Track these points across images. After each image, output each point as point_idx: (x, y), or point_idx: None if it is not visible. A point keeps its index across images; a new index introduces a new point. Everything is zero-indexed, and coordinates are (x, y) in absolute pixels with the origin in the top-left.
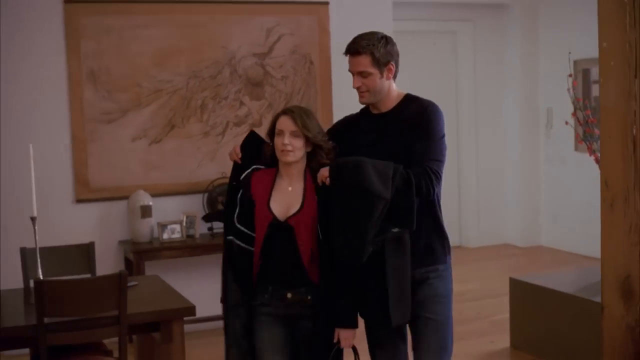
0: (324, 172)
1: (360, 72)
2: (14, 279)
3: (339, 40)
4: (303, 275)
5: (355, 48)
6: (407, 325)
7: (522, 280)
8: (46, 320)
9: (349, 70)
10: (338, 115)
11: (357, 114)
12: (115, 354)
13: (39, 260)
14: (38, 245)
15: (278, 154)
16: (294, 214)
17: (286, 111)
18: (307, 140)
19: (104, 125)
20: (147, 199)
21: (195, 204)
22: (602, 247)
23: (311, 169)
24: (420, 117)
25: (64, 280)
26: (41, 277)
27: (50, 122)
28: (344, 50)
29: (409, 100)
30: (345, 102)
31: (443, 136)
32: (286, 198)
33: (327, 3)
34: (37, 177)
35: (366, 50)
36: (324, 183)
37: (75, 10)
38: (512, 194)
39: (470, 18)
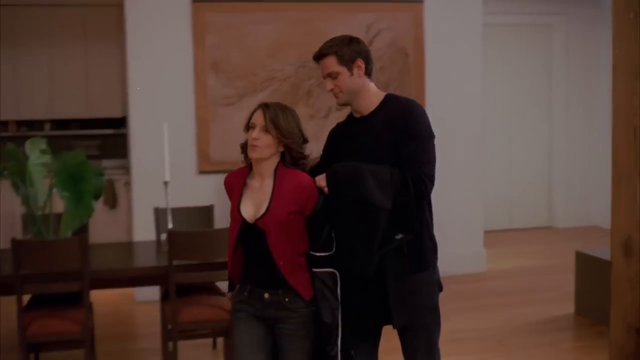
0: (321, 182)
1: (329, 74)
2: (147, 234)
3: (433, 34)
4: (278, 277)
5: (319, 52)
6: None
7: (586, 254)
8: (175, 262)
9: (322, 77)
10: (431, 102)
11: (344, 121)
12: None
13: (169, 217)
14: (169, 205)
15: (247, 148)
16: (262, 216)
17: (261, 105)
18: (279, 139)
19: (224, 108)
20: None
21: None
22: (612, 214)
23: (285, 165)
24: (402, 117)
25: (190, 231)
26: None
27: (178, 104)
28: (437, 43)
29: (389, 101)
30: (437, 91)
31: (431, 136)
32: (257, 197)
33: (421, 1)
34: (174, 148)
35: (329, 51)
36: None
37: (201, 8)
38: (600, 178)
39: (564, 11)
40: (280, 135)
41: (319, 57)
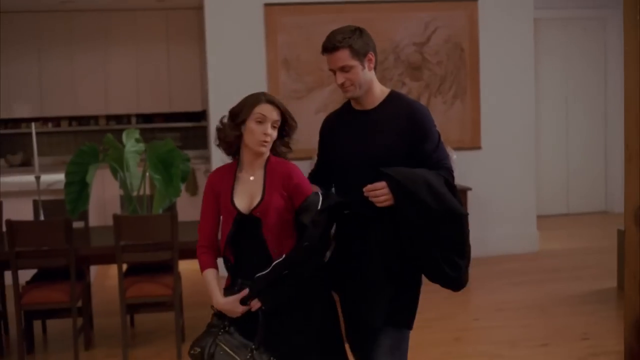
0: (379, 192)
1: (341, 68)
2: None
3: (486, 30)
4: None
5: (332, 44)
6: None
7: None
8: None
9: (330, 69)
10: (485, 93)
11: (339, 111)
12: None
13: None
14: None
15: (254, 143)
16: (258, 205)
17: (270, 100)
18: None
19: (294, 101)
20: None
21: None
22: (624, 188)
23: (270, 159)
24: (412, 118)
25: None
26: None
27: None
28: (491, 38)
29: (394, 98)
30: (490, 82)
31: (439, 135)
32: (249, 189)
33: (476, 0)
34: None
35: (343, 44)
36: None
37: (273, 11)
38: None
39: (619, 4)
40: (291, 132)
41: (331, 49)
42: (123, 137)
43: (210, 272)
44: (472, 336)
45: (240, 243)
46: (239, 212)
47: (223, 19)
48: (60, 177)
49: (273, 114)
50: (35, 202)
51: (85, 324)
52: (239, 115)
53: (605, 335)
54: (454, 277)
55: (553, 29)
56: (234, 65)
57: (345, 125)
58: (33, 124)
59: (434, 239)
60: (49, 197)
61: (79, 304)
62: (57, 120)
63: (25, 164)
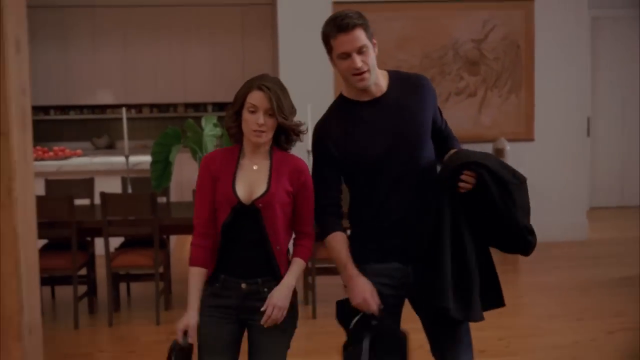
0: (467, 184)
1: (359, 48)
2: None
3: (542, 28)
4: (269, 262)
5: (348, 23)
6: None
7: None
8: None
9: (342, 53)
10: (540, 89)
11: (335, 114)
12: None
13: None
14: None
15: (249, 133)
16: (261, 196)
17: (261, 86)
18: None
19: None
20: None
21: None
22: None
23: (278, 146)
24: (425, 88)
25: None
26: None
27: (320, 89)
28: (547, 37)
29: (398, 76)
30: (546, 79)
31: None
32: (251, 178)
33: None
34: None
35: (359, 21)
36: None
37: (339, 8)
38: None
39: None
40: (285, 120)
41: (350, 27)
42: (202, 122)
43: (197, 275)
44: (515, 310)
45: (236, 235)
46: (239, 201)
47: (294, 15)
48: (141, 158)
49: (264, 102)
50: (123, 179)
51: (166, 288)
52: (234, 104)
53: (638, 314)
54: (532, 241)
55: (609, 27)
56: (303, 58)
57: (359, 123)
58: (124, 110)
59: (517, 208)
60: (133, 176)
61: (161, 269)
62: (139, 107)
63: (110, 147)
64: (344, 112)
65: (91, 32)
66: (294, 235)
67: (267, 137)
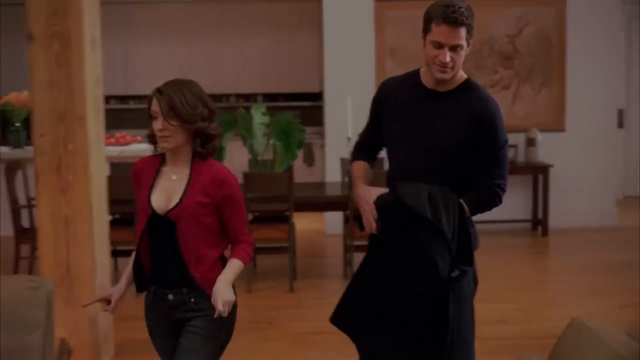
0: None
1: (454, 46)
2: (335, 179)
3: (575, 24)
4: (185, 275)
5: (457, 19)
6: None
7: None
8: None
9: (437, 42)
10: (571, 82)
11: (403, 80)
12: None
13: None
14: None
15: (157, 139)
16: (174, 207)
17: (155, 91)
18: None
19: None
20: None
21: None
22: None
23: (199, 154)
24: (483, 115)
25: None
26: None
27: (361, 82)
28: (580, 32)
29: (470, 87)
30: (578, 72)
31: (506, 142)
32: (170, 187)
33: None
34: (357, 116)
35: (466, 22)
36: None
37: (382, 6)
38: None
39: None
40: (182, 121)
41: (458, 23)
42: (252, 111)
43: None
44: (538, 287)
45: (154, 245)
46: (153, 212)
47: (339, 11)
48: None
49: (157, 107)
50: None
51: None
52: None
53: None
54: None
55: None
56: (347, 52)
57: (411, 101)
58: None
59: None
60: None
61: None
62: None
63: None
64: (409, 85)
65: (153, 27)
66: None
67: (174, 141)
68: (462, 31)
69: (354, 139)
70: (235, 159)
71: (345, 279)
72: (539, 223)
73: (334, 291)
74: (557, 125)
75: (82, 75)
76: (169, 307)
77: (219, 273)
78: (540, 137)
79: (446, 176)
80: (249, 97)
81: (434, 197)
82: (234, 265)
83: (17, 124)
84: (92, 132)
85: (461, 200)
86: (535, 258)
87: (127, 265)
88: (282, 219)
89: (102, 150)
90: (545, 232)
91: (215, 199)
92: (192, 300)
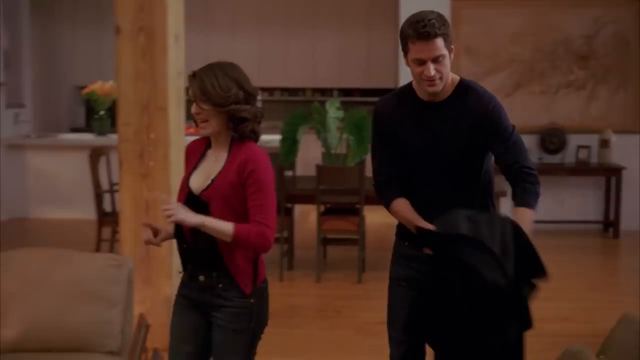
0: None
1: (435, 58)
2: None
3: None
4: (216, 257)
5: (429, 32)
6: None
7: None
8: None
9: (418, 59)
10: None
11: (398, 97)
12: None
13: None
14: None
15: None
16: (206, 188)
17: (189, 75)
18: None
19: None
20: None
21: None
22: None
23: (237, 138)
24: (488, 112)
25: None
26: None
27: None
28: None
29: (466, 89)
30: None
31: (514, 127)
32: (209, 169)
33: None
34: None
35: (439, 31)
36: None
37: (458, 4)
38: None
39: None
40: (213, 104)
41: (431, 36)
42: (326, 105)
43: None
44: (607, 287)
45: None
46: (190, 192)
47: (415, 7)
48: (271, 137)
49: (191, 91)
50: None
51: (289, 250)
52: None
53: None
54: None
55: None
56: None
57: (410, 117)
58: (259, 93)
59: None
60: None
61: (285, 234)
62: (270, 91)
63: None
64: (406, 101)
65: (230, 20)
66: None
67: (210, 127)
68: (438, 42)
69: None
70: (309, 152)
71: None
72: (610, 225)
73: None
74: (632, 127)
75: (165, 67)
76: (199, 287)
77: (248, 260)
78: (614, 138)
79: (461, 180)
80: (325, 92)
81: (471, 219)
82: (223, 224)
83: (101, 113)
84: (173, 122)
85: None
86: (605, 259)
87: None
88: (353, 212)
89: (182, 139)
90: (616, 234)
91: (242, 177)
92: (220, 286)
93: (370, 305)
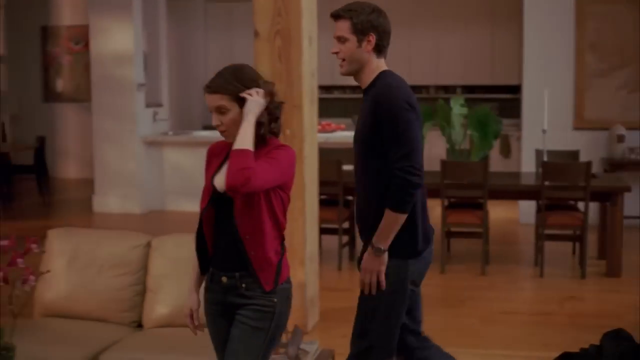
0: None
1: (338, 37)
2: (530, 170)
3: None
4: (240, 254)
5: (336, 12)
6: None
7: None
8: (546, 183)
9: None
10: None
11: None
12: None
13: (545, 154)
14: (545, 148)
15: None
16: None
17: (204, 88)
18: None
19: (597, 79)
20: (621, 130)
21: None
22: None
23: (260, 138)
24: (380, 96)
25: (560, 162)
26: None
27: (559, 76)
28: None
29: (380, 79)
30: None
31: (407, 122)
32: None
33: None
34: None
35: (346, 14)
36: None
37: (583, 1)
38: None
39: None
40: (232, 98)
41: (335, 16)
42: (451, 103)
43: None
44: None
45: (214, 225)
46: (214, 190)
47: (539, 4)
48: None
49: (211, 101)
50: None
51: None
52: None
53: None
54: None
55: None
56: (546, 45)
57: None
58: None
59: None
60: None
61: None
62: None
63: None
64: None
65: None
66: None
67: (231, 136)
68: (342, 23)
69: (550, 131)
70: (433, 148)
71: (536, 267)
72: None
73: (524, 277)
74: None
75: (300, 68)
76: (222, 289)
77: (273, 257)
78: None
79: (368, 173)
80: (448, 89)
81: None
82: (250, 139)
83: None
84: (307, 119)
85: None
86: None
87: (192, 270)
88: (477, 206)
89: (314, 135)
90: None
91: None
92: (244, 285)
93: (493, 296)
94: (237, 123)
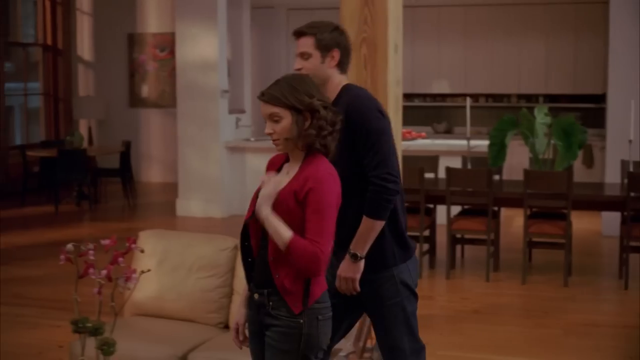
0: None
1: (301, 54)
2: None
3: None
4: (267, 273)
5: (300, 30)
6: None
7: None
8: (632, 194)
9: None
10: None
11: None
12: None
13: (631, 165)
14: (631, 158)
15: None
16: None
17: (259, 96)
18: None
19: None
20: None
21: None
22: None
23: (309, 153)
24: (351, 107)
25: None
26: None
27: None
28: None
29: (344, 92)
30: None
31: (380, 131)
32: (280, 183)
33: None
34: None
35: (310, 31)
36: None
37: None
38: None
39: None
40: (287, 107)
41: (298, 34)
42: (535, 112)
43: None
44: None
45: (256, 242)
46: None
47: (625, 13)
48: (476, 142)
49: (264, 110)
50: (463, 157)
51: (495, 252)
52: None
53: None
54: None
55: None
56: (632, 54)
57: None
58: (468, 99)
59: None
60: (471, 156)
61: (492, 236)
62: (475, 97)
63: (447, 132)
64: None
65: (435, 30)
66: None
67: (283, 144)
68: (305, 40)
69: (636, 142)
70: (515, 157)
71: (621, 279)
72: None
73: (608, 289)
74: None
75: (385, 76)
76: (255, 306)
77: (297, 284)
78: None
79: (345, 175)
80: (531, 98)
81: None
82: (285, 228)
83: None
84: (392, 127)
85: None
86: None
87: (246, 282)
88: (559, 216)
89: (399, 143)
90: None
91: (301, 194)
92: (271, 303)
93: (576, 307)
94: (289, 132)
